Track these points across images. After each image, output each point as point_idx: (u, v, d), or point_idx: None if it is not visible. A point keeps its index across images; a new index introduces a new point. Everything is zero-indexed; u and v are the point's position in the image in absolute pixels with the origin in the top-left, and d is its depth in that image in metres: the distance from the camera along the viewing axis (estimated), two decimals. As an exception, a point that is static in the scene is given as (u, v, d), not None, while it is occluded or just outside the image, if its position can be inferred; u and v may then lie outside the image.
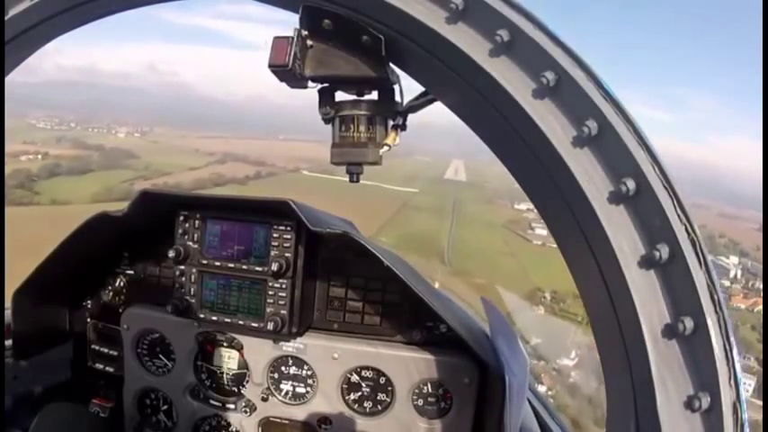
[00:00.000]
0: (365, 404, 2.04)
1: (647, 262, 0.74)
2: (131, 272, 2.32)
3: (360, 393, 2.04)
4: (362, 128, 1.13)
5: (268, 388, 2.10)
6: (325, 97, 1.13)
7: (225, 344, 2.12)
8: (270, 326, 1.89)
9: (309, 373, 2.06)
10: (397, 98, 1.11)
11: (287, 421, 2.11)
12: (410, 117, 1.14)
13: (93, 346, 2.39)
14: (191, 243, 2.00)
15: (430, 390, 1.96)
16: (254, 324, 1.95)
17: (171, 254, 1.96)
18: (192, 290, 2.01)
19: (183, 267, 2.01)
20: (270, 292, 1.92)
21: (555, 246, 0.91)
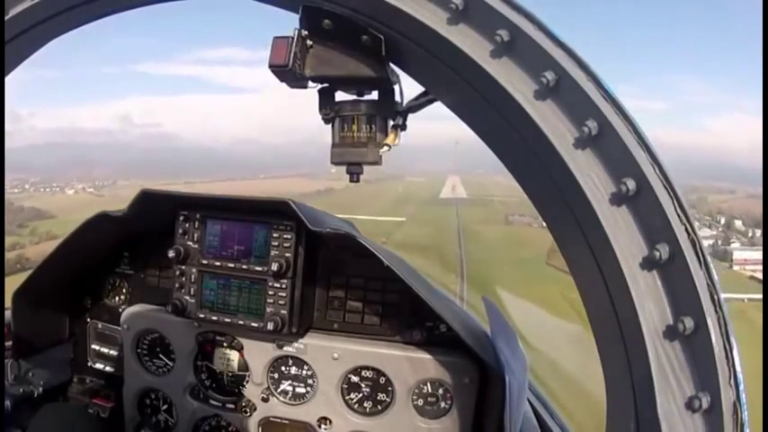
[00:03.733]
0: (365, 404, 2.04)
1: (647, 262, 0.74)
2: (131, 272, 2.32)
3: (360, 393, 2.04)
4: (362, 128, 1.13)
5: (268, 388, 2.10)
6: (326, 97, 1.13)
7: (225, 344, 2.12)
8: (270, 326, 1.89)
9: (309, 373, 2.06)
10: (397, 98, 1.11)
11: (287, 421, 2.11)
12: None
13: (93, 346, 2.39)
14: (191, 243, 2.00)
15: (430, 390, 1.96)
16: (254, 324, 1.95)
17: (171, 254, 1.96)
18: (192, 290, 2.01)
19: (183, 267, 2.01)
20: (270, 292, 1.92)
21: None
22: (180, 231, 2.00)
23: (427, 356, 1.91)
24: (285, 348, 2.03)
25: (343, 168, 1.17)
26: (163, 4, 1.12)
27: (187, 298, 2.01)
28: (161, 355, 2.23)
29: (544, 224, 0.92)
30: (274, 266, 1.85)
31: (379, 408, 2.03)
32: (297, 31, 0.99)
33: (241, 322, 1.97)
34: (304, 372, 2.07)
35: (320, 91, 1.12)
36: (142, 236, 2.24)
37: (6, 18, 1.06)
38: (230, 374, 2.17)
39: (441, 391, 1.95)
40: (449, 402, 1.94)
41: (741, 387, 0.68)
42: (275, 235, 1.90)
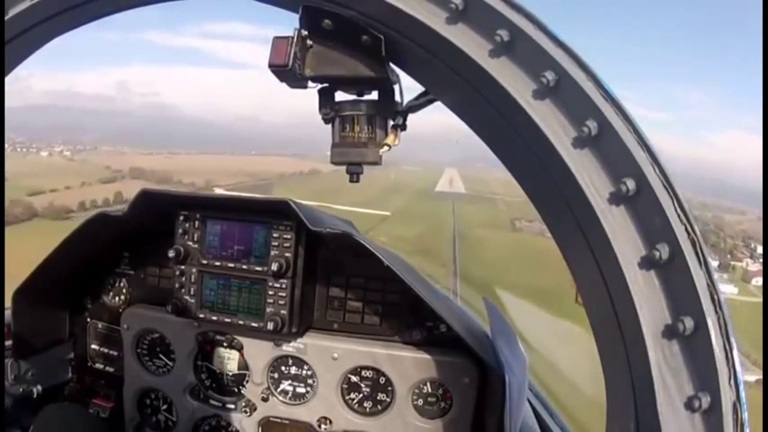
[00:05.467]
0: (365, 404, 2.04)
1: (647, 262, 0.74)
2: (131, 272, 2.32)
3: (360, 393, 2.04)
4: (362, 128, 1.13)
5: (268, 388, 2.10)
6: (326, 97, 1.13)
7: (225, 344, 2.12)
8: (270, 326, 1.89)
9: (309, 373, 2.06)
10: (397, 98, 1.11)
11: (287, 421, 2.11)
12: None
13: (93, 346, 2.39)
14: (191, 243, 2.00)
15: (430, 390, 1.96)
16: (254, 324, 1.95)
17: (171, 254, 1.96)
18: (192, 290, 2.01)
19: (183, 267, 2.01)
20: (270, 292, 1.92)
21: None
22: (180, 231, 2.00)
23: (427, 356, 1.91)
24: (285, 348, 2.03)
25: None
26: (162, 3, 1.12)
27: (187, 298, 2.01)
28: (161, 355, 2.23)
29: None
30: (274, 266, 1.86)
31: (379, 408, 2.03)
32: (297, 31, 0.99)
33: (241, 322, 1.97)
34: (304, 372, 2.07)
35: (320, 91, 1.12)
36: (142, 236, 2.24)
37: (6, 18, 1.06)
38: (230, 374, 2.17)
39: (440, 391, 1.95)
40: (448, 402, 1.94)
41: (741, 387, 0.68)
42: (275, 235, 1.90)
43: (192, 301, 2.01)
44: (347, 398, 2.05)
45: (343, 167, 1.17)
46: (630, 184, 0.74)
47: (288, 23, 1.00)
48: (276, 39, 0.98)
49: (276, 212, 1.89)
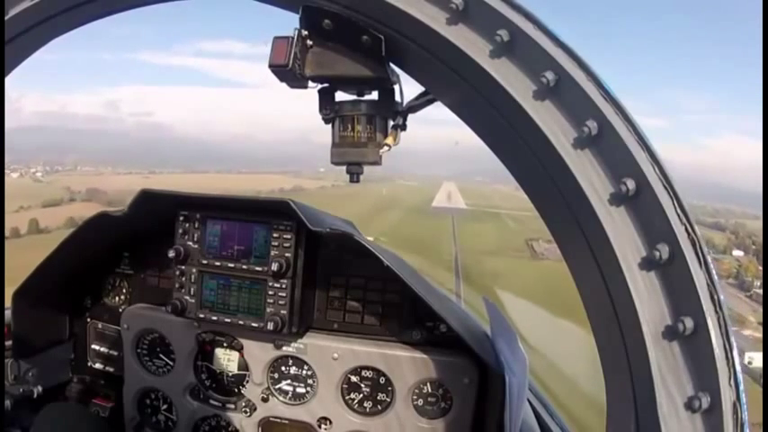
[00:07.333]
0: (365, 404, 2.04)
1: (647, 262, 0.74)
2: (131, 272, 2.32)
3: (360, 393, 2.04)
4: (362, 128, 1.13)
5: (268, 388, 2.10)
6: (326, 97, 1.13)
7: (225, 344, 2.12)
8: (270, 326, 1.89)
9: (309, 373, 2.06)
10: (397, 98, 1.11)
11: (287, 421, 2.11)
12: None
13: (93, 346, 2.39)
14: (191, 243, 2.00)
15: (430, 390, 1.96)
16: (254, 324, 1.95)
17: (171, 254, 1.96)
18: (192, 290, 2.01)
19: (183, 267, 2.01)
20: (270, 292, 1.92)
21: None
22: (180, 231, 2.01)
23: (427, 356, 1.91)
24: (285, 348, 2.03)
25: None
26: (162, 3, 1.12)
27: (187, 298, 2.01)
28: (161, 355, 2.23)
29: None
30: (274, 266, 1.86)
31: (379, 408, 2.03)
32: (297, 31, 0.99)
33: (241, 322, 1.97)
34: (304, 372, 2.07)
35: (320, 91, 1.12)
36: (142, 236, 2.24)
37: (6, 18, 1.06)
38: (230, 374, 2.17)
39: (441, 391, 1.95)
40: (449, 402, 1.94)
41: (741, 387, 0.68)
42: (275, 235, 1.90)
43: (192, 301, 2.01)
44: (347, 398, 2.05)
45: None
46: (630, 184, 0.74)
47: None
48: (276, 39, 0.98)
49: (276, 212, 1.89)
